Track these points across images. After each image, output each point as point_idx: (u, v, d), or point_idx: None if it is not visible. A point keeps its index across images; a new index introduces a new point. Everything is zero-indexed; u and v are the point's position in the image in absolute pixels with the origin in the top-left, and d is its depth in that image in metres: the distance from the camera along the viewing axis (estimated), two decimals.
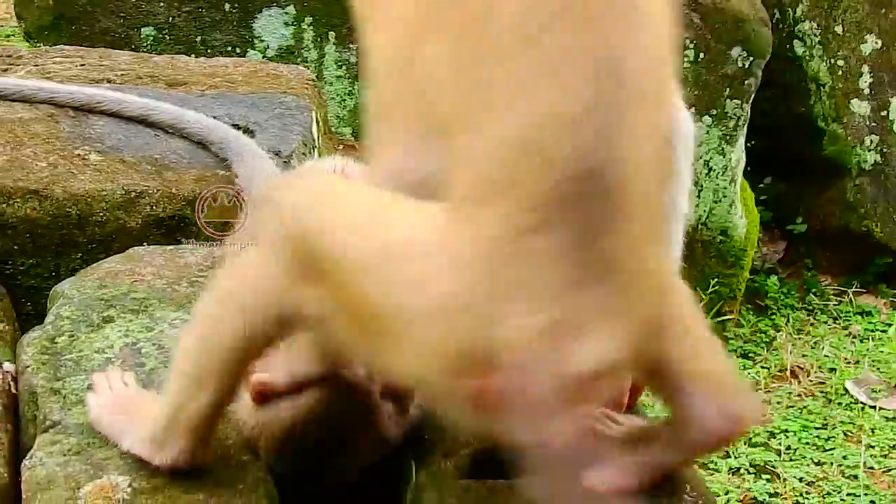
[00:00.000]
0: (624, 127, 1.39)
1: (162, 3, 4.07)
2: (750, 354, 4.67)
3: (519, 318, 1.30)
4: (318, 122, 2.92)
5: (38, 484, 1.63)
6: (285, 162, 2.62)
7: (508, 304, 1.30)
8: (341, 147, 3.54)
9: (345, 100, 4.25)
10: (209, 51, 4.05)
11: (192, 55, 3.77)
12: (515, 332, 1.30)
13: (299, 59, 4.14)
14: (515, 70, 1.40)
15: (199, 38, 4.10)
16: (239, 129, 2.69)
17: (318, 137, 2.90)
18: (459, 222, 1.35)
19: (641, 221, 1.42)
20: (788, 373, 4.49)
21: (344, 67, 4.24)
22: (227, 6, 4.08)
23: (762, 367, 4.53)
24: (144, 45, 4.07)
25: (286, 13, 4.12)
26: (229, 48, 4.09)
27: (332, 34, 4.20)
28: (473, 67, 1.42)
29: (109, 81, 2.87)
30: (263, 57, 4.08)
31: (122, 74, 2.95)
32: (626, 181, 1.39)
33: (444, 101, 1.47)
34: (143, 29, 4.10)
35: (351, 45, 4.21)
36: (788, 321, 4.87)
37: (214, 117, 2.71)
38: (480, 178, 1.38)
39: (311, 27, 4.16)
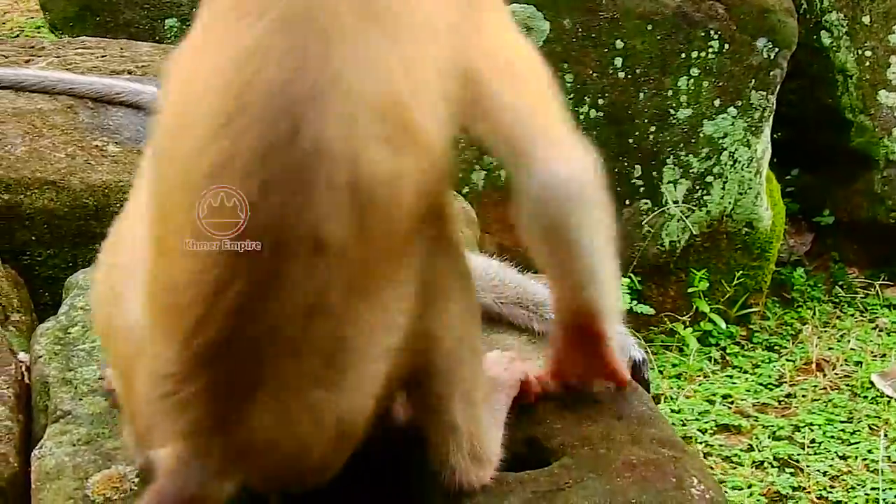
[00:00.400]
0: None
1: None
2: (775, 347, 4.69)
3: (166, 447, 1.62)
4: None
5: (48, 474, 1.66)
6: None
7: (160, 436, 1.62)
8: None
9: None
10: None
11: None
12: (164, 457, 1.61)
13: None
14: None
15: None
16: None
17: None
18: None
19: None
20: (814, 366, 4.49)
21: None
22: None
23: (787, 360, 4.55)
24: (168, 36, 4.15)
25: None
26: None
27: None
28: None
29: (130, 73, 2.91)
30: None
31: (142, 66, 2.98)
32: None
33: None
34: (166, 20, 4.21)
35: None
36: (815, 314, 4.88)
37: None
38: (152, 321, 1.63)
39: None
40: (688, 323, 4.68)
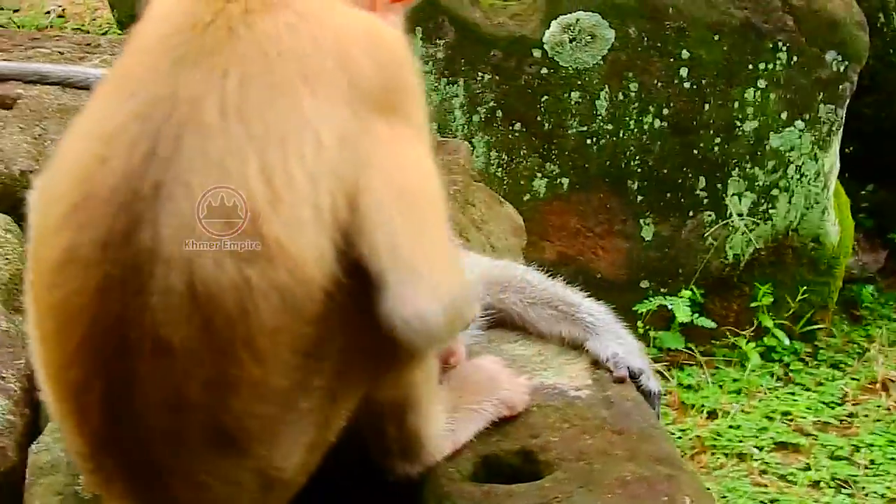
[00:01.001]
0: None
1: None
2: (840, 365, 4.68)
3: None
4: None
5: (41, 469, 1.77)
6: None
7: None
8: None
9: (430, 94, 4.51)
10: None
11: None
12: None
13: None
14: None
15: None
16: None
17: None
18: None
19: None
20: (879, 385, 4.47)
21: (430, 63, 4.55)
22: None
23: (852, 379, 4.56)
24: None
25: None
26: None
27: (419, 29, 4.50)
28: None
29: None
30: None
31: None
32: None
33: None
34: None
35: (437, 42, 4.56)
36: (883, 332, 4.85)
37: None
38: None
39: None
40: (750, 337, 4.70)
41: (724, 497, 4.01)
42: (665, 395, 4.42)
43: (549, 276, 2.42)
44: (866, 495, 3.77)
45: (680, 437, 4.26)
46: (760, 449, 4.13)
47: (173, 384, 1.70)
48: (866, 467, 3.95)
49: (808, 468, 3.95)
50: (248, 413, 1.76)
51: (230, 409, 1.74)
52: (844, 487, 3.86)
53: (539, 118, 4.74)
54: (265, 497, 1.85)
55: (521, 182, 4.68)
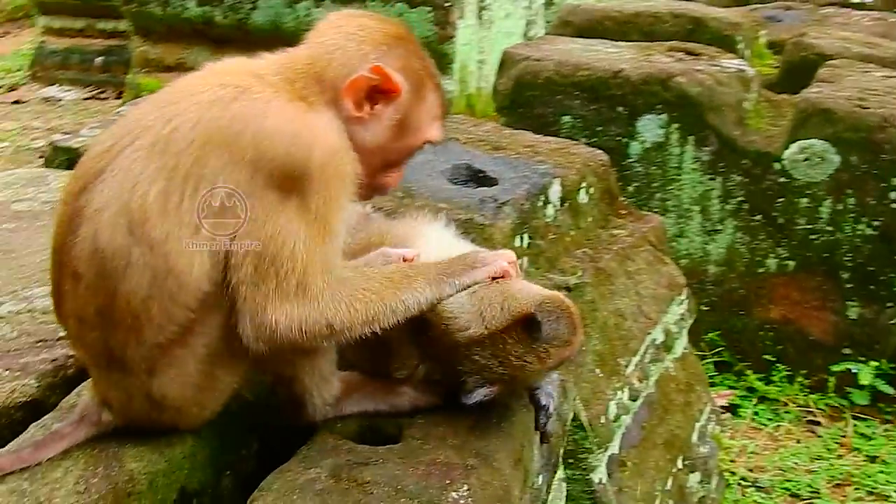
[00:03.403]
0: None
1: (577, 101, 5.63)
2: None
3: None
4: (567, 188, 3.85)
5: None
6: (499, 206, 3.45)
7: None
8: (625, 213, 4.39)
9: (694, 186, 5.54)
10: (603, 139, 5.59)
11: (589, 140, 5.32)
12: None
13: (665, 154, 5.55)
14: None
15: (599, 129, 5.67)
16: (483, 174, 3.73)
17: (557, 199, 3.77)
18: None
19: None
20: None
21: (697, 162, 5.51)
22: (619, 108, 5.60)
23: None
24: (563, 129, 5.63)
25: (660, 119, 5.52)
26: (617, 138, 5.61)
27: (692, 138, 5.48)
28: None
29: None
30: (641, 149, 5.56)
31: None
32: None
33: None
34: (562, 117, 5.68)
35: (704, 148, 5.47)
36: None
37: (481, 170, 3.74)
38: None
39: (677, 131, 5.53)
40: None
41: None
42: (842, 436, 5.17)
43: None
44: None
45: (829, 469, 4.90)
46: None
47: (79, 302, 2.14)
48: None
49: None
50: (128, 346, 2.13)
51: (114, 337, 2.13)
52: None
53: (775, 214, 5.39)
54: (159, 414, 2.25)
55: (757, 259, 5.45)
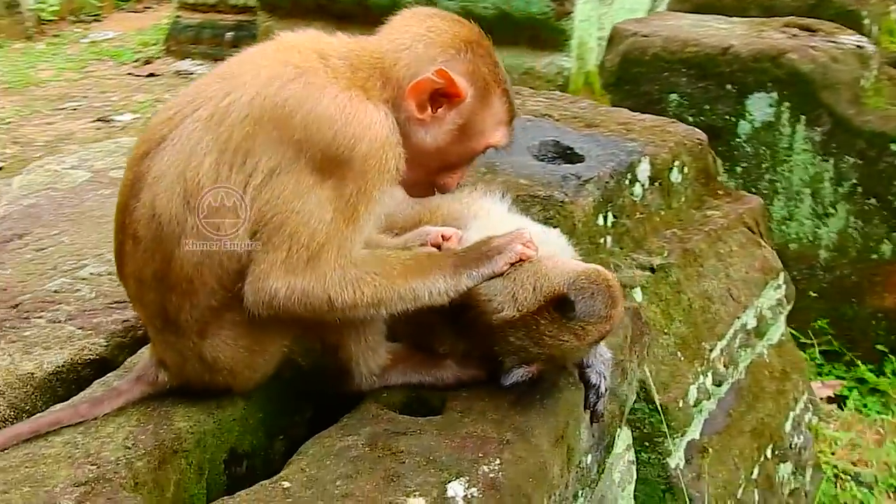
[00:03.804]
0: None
1: (684, 78, 5.53)
2: None
3: None
4: (657, 166, 3.75)
5: None
6: (582, 183, 3.43)
7: None
8: (722, 194, 4.29)
9: (806, 167, 5.38)
10: (711, 117, 5.47)
11: (696, 118, 5.22)
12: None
13: (775, 133, 5.41)
14: None
15: (706, 107, 5.54)
16: (571, 151, 3.71)
17: (645, 177, 3.74)
18: None
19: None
20: None
21: (808, 142, 5.35)
22: (728, 86, 5.47)
23: None
24: (670, 107, 5.53)
25: (771, 97, 5.38)
26: (725, 117, 5.49)
27: (803, 117, 5.32)
28: None
29: None
30: (750, 128, 5.43)
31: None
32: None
33: None
34: (669, 95, 5.58)
35: (816, 128, 5.31)
36: None
37: (569, 147, 3.71)
38: None
39: (788, 110, 5.39)
40: None
41: None
42: None
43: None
44: None
45: None
46: None
47: (138, 264, 2.23)
48: None
49: None
50: (181, 309, 2.22)
51: (170, 300, 2.22)
52: None
53: (890, 198, 5.27)
54: (211, 376, 2.33)
55: (871, 244, 5.30)
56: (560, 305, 2.24)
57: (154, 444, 2.26)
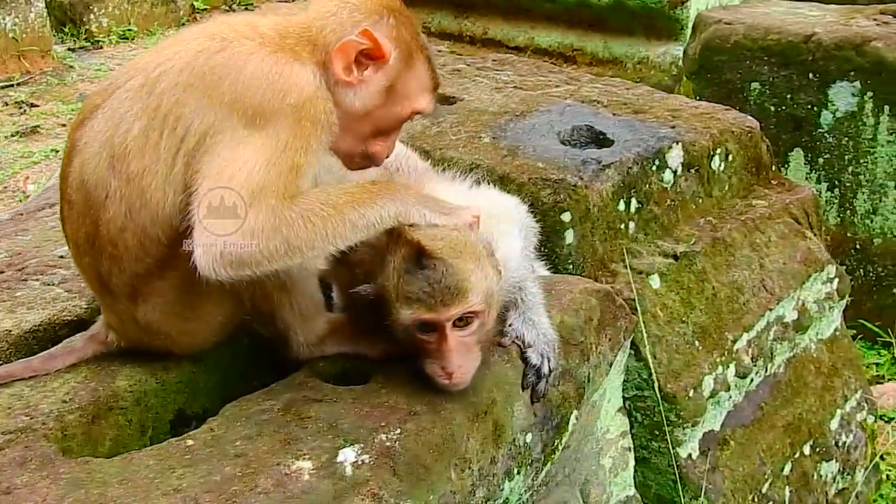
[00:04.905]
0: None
1: (766, 67, 5.38)
2: None
3: None
4: (694, 153, 3.69)
5: None
6: (602, 168, 3.43)
7: None
8: (775, 184, 4.16)
9: (891, 160, 5.15)
10: (793, 107, 5.29)
11: (777, 108, 5.07)
12: None
13: (859, 124, 5.18)
14: None
15: (788, 96, 5.36)
16: (603, 136, 3.69)
17: (677, 164, 3.68)
18: None
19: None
20: None
21: (893, 134, 5.11)
22: (810, 75, 5.27)
23: None
24: (751, 97, 5.39)
25: (854, 86, 5.16)
26: (808, 107, 5.28)
27: (887, 107, 5.10)
28: None
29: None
30: (833, 119, 5.22)
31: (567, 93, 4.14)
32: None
33: None
34: (751, 84, 5.42)
35: None
36: None
37: (601, 132, 3.70)
38: None
39: (871, 100, 5.16)
40: None
41: None
42: None
43: None
44: None
45: None
46: None
47: (74, 227, 2.34)
48: None
49: None
50: (112, 273, 2.31)
51: (101, 264, 2.31)
52: None
53: None
54: (150, 339, 2.42)
55: None
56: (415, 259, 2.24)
57: (90, 399, 2.39)
